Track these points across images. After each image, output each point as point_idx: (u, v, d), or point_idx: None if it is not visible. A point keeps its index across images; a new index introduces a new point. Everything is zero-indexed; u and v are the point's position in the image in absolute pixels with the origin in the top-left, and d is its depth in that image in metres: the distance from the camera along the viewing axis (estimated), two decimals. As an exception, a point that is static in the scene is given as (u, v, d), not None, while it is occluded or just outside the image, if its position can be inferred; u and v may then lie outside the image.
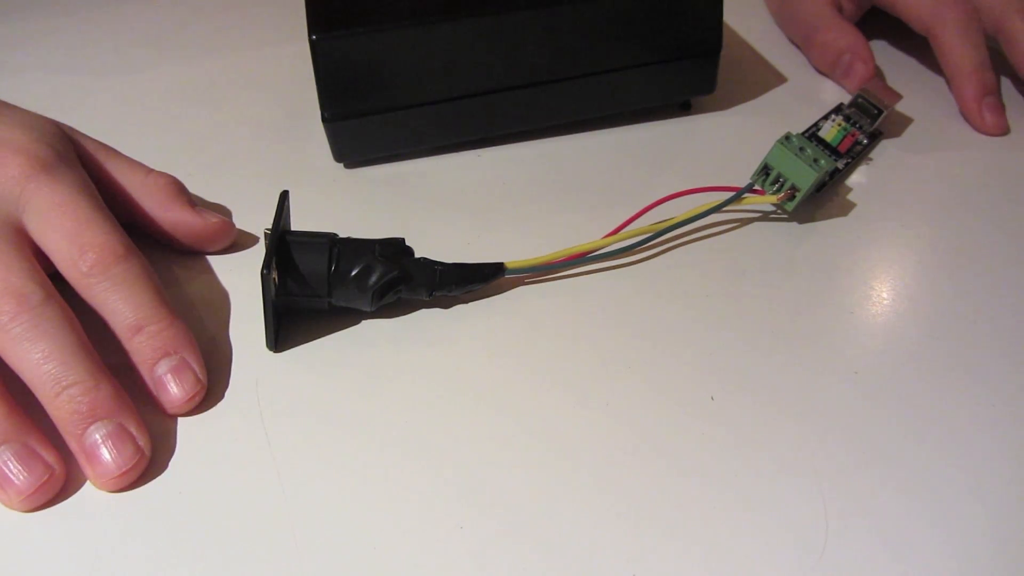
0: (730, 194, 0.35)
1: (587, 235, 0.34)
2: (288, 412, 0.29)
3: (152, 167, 0.34)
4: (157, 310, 0.29)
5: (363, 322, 0.32)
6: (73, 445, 0.27)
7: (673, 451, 0.28)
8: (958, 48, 0.41)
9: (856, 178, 0.39)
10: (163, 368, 0.29)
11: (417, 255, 0.32)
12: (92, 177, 0.31)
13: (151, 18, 0.49)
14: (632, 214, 0.34)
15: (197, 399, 0.29)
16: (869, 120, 0.40)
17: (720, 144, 0.41)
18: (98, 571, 0.25)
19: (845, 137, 0.39)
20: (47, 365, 0.27)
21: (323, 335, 0.31)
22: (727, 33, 0.45)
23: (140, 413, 0.28)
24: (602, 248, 0.33)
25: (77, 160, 0.32)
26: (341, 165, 0.39)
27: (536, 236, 0.35)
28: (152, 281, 0.30)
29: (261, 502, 0.26)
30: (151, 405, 0.29)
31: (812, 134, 0.39)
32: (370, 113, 0.37)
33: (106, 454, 0.27)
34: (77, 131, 0.33)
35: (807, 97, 0.43)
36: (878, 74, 0.44)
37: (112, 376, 0.28)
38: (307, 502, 0.26)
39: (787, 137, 0.35)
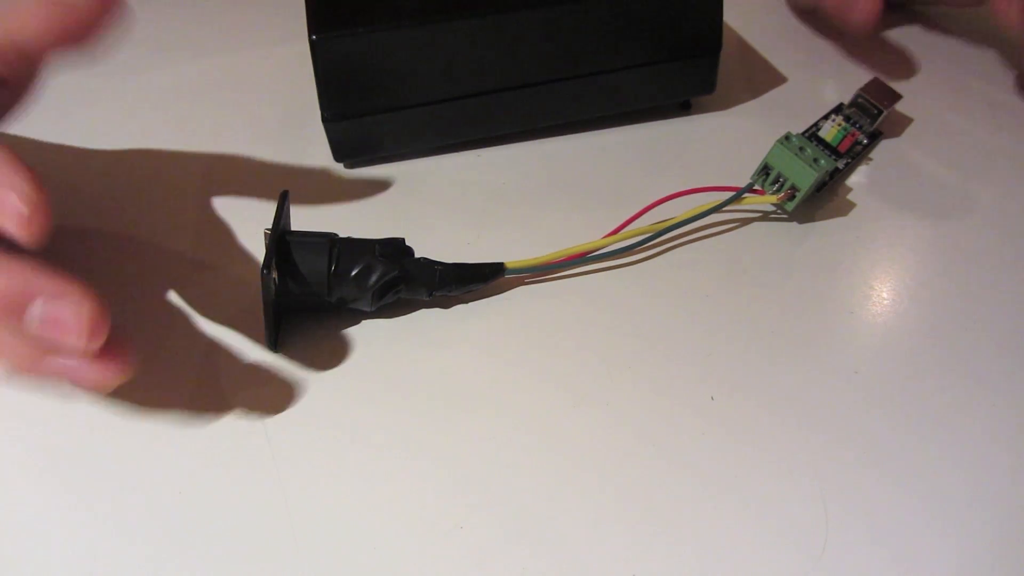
0: (730, 194, 0.35)
1: (587, 235, 0.34)
2: (288, 412, 0.29)
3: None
4: None
5: (363, 322, 0.32)
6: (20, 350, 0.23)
7: (673, 451, 0.28)
8: None
9: (856, 178, 0.39)
10: (33, 321, 0.23)
11: (417, 255, 0.32)
12: None
13: (151, 18, 0.49)
14: (632, 214, 0.34)
15: (98, 322, 0.23)
16: (869, 120, 0.40)
17: (720, 144, 0.41)
18: (97, 571, 0.25)
19: (845, 137, 0.39)
20: None
21: (323, 335, 0.31)
22: (727, 33, 0.45)
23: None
24: (602, 248, 0.33)
25: None
26: (341, 165, 0.39)
27: (536, 236, 0.35)
28: None
29: (261, 502, 0.26)
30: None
31: (812, 134, 0.39)
32: (370, 113, 0.37)
33: (60, 327, 0.22)
34: None
35: (807, 97, 0.43)
36: (878, 74, 0.44)
37: (24, 256, 0.23)
38: (307, 502, 0.26)
39: (787, 137, 0.35)
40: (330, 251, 0.30)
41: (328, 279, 0.30)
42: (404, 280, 0.31)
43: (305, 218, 0.33)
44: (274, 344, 0.31)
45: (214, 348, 0.31)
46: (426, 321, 0.32)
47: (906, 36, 0.45)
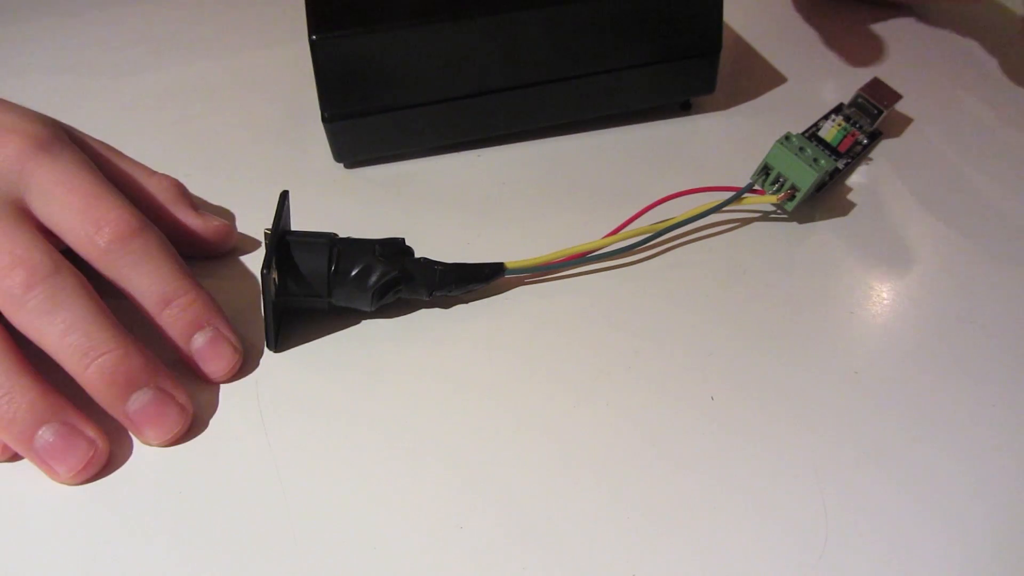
0: (730, 194, 0.35)
1: (587, 235, 0.34)
2: (288, 412, 0.29)
3: (153, 168, 0.34)
4: (182, 282, 0.29)
5: (363, 322, 0.32)
6: (116, 415, 0.27)
7: (673, 451, 0.28)
8: None
9: (856, 178, 0.39)
10: (199, 341, 0.29)
11: (417, 255, 0.32)
12: None
13: (151, 18, 0.49)
14: (632, 214, 0.34)
15: (236, 367, 0.30)
16: (869, 120, 0.40)
17: (720, 144, 0.41)
18: (97, 571, 0.25)
19: (845, 137, 0.39)
20: (71, 336, 0.26)
21: (323, 335, 0.31)
22: (727, 33, 0.45)
23: (172, 371, 0.28)
24: (602, 248, 0.33)
25: (74, 144, 0.31)
26: (341, 165, 0.39)
27: (536, 236, 0.35)
28: (172, 252, 0.29)
29: (261, 502, 0.26)
30: (191, 376, 0.29)
31: (812, 134, 0.39)
32: (370, 113, 0.37)
33: (153, 419, 0.27)
34: (78, 130, 0.33)
35: (807, 97, 0.43)
36: (878, 74, 0.44)
37: (138, 340, 0.28)
38: (307, 502, 0.26)
39: (787, 137, 0.35)
40: (330, 251, 0.30)
41: (328, 279, 0.30)
42: (404, 280, 0.31)
43: (305, 218, 0.33)
44: (274, 344, 0.31)
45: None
46: (426, 321, 0.32)
47: (906, 35, 0.45)
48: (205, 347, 0.29)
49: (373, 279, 0.30)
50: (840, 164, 0.38)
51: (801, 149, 0.35)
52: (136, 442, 0.28)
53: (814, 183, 0.35)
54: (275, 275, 0.29)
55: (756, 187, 0.35)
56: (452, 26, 0.36)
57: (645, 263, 0.34)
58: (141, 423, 0.27)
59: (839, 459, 0.27)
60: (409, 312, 0.32)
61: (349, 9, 0.35)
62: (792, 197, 0.35)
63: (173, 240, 0.31)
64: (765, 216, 0.36)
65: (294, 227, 0.32)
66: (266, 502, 0.26)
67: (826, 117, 0.40)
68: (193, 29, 0.48)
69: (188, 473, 0.27)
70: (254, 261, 0.34)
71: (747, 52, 0.46)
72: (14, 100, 0.32)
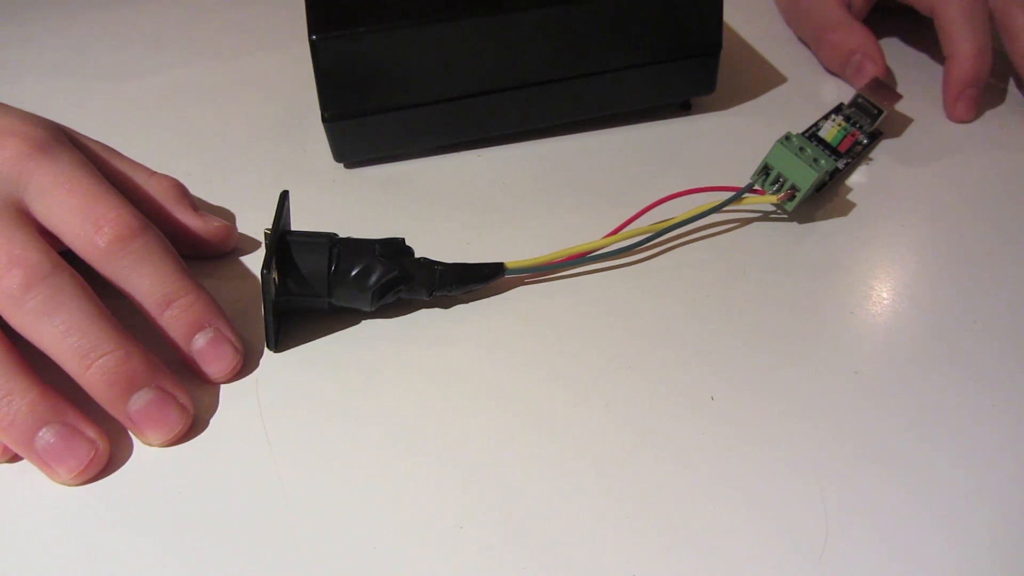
0: (730, 194, 0.35)
1: (587, 235, 0.34)
2: (288, 412, 0.29)
3: (153, 168, 0.34)
4: (183, 282, 0.29)
5: (363, 322, 0.32)
6: (117, 415, 0.27)
7: (673, 451, 0.28)
8: (960, 30, 0.41)
9: (856, 178, 0.39)
10: (200, 342, 0.29)
11: (417, 255, 0.32)
12: None
13: (151, 19, 0.49)
14: (632, 214, 0.34)
15: (237, 368, 0.30)
16: (869, 120, 0.40)
17: (720, 144, 0.41)
18: (97, 571, 0.25)
19: (845, 137, 0.39)
20: (71, 337, 0.27)
21: (323, 335, 0.31)
22: (727, 33, 0.45)
23: (173, 371, 0.28)
24: (602, 248, 0.33)
25: (73, 146, 0.31)
26: (341, 165, 0.39)
27: (536, 236, 0.35)
28: (172, 253, 0.30)
29: (261, 502, 0.26)
30: (191, 377, 0.30)
31: (812, 134, 0.39)
32: (370, 113, 0.37)
33: (154, 420, 0.27)
34: (77, 132, 0.33)
35: (807, 97, 0.43)
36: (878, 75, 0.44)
37: (138, 341, 0.28)
38: (307, 502, 0.26)
39: (787, 137, 0.35)
40: (330, 251, 0.30)
41: (328, 279, 0.30)
42: (404, 280, 0.31)
43: (305, 218, 0.33)
44: (274, 344, 0.31)
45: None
46: (426, 321, 0.32)
47: (906, 37, 0.45)
48: (206, 348, 0.29)
49: (373, 279, 0.30)
50: (840, 164, 0.38)
51: (801, 149, 0.35)
52: (136, 442, 0.28)
53: (814, 183, 0.35)
54: (275, 275, 0.29)
55: (756, 187, 0.35)
56: (452, 26, 0.36)
57: (645, 263, 0.34)
58: (142, 423, 0.27)
59: (839, 459, 0.27)
60: (409, 312, 0.32)
61: (349, 9, 0.35)
62: (792, 197, 0.35)
63: (173, 240, 0.31)
64: (765, 216, 0.36)
65: (294, 227, 0.32)
66: (266, 502, 0.26)
67: (826, 117, 0.40)
68: (193, 30, 0.48)
69: (188, 473, 0.27)
70: (254, 261, 0.34)
71: (747, 52, 0.46)
72: (14, 101, 0.33)
